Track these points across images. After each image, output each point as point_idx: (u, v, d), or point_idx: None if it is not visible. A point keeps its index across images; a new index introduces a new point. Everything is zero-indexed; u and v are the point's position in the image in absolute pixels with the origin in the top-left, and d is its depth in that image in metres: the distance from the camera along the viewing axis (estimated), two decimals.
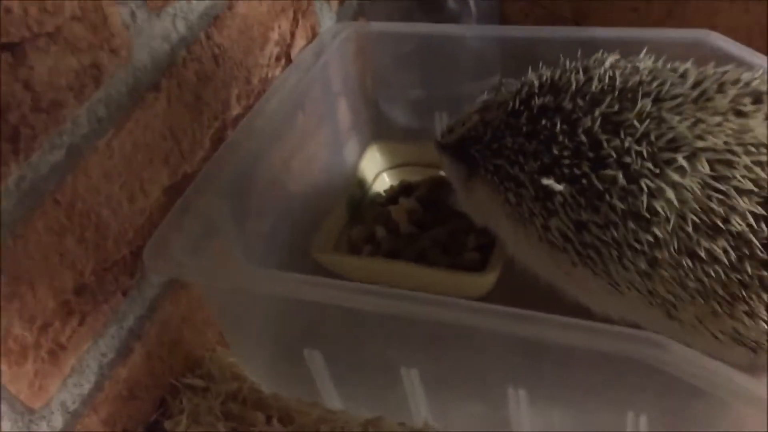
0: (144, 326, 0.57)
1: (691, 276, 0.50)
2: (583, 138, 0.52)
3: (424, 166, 0.79)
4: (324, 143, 0.79)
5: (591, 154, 0.51)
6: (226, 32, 0.62)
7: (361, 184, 0.78)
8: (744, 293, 0.49)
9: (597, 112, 0.52)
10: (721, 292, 0.50)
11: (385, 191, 0.78)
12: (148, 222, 0.57)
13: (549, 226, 0.54)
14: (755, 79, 0.53)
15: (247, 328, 0.60)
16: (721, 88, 0.52)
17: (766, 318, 0.50)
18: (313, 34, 0.77)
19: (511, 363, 0.50)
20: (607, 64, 0.56)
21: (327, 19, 0.80)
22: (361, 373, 0.57)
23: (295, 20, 0.72)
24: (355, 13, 0.85)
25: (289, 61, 0.72)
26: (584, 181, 0.51)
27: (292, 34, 0.72)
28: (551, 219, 0.54)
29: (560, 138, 0.53)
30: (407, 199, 0.74)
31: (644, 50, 0.57)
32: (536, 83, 0.57)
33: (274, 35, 0.69)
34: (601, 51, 0.57)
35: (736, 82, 0.53)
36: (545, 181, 0.53)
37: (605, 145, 0.51)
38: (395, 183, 0.79)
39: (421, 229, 0.71)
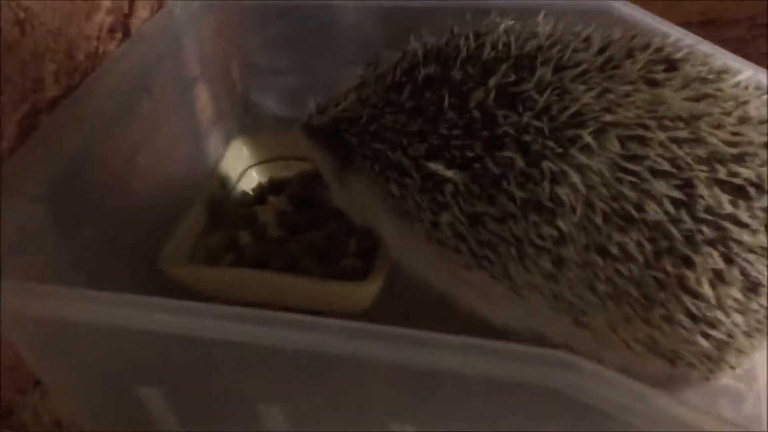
0: None
1: (601, 276, 0.44)
2: (476, 113, 0.45)
3: (300, 160, 0.70)
4: (178, 136, 0.69)
5: (485, 133, 0.45)
6: None
7: (223, 183, 0.68)
8: (662, 295, 0.43)
9: (491, 83, 0.45)
10: (635, 294, 0.44)
11: (252, 190, 0.69)
12: None
13: (439, 222, 0.47)
14: (667, 45, 0.48)
15: (67, 364, 0.49)
16: (629, 54, 0.46)
17: (685, 323, 0.44)
18: (160, 6, 0.66)
19: (394, 395, 0.42)
20: (501, 29, 0.49)
21: None
22: (212, 413, 0.47)
23: None
24: None
25: (127, 35, 0.62)
26: (478, 165, 0.45)
27: (131, 3, 0.62)
28: (441, 213, 0.47)
29: (449, 114, 0.46)
30: (277, 198, 0.65)
31: (542, 14, 0.51)
32: (420, 52, 0.49)
33: (106, 1, 0.58)
34: (493, 15, 0.50)
35: (645, 47, 0.47)
36: (433, 167, 0.45)
37: (501, 121, 0.44)
38: (265, 180, 0.70)
39: (293, 233, 0.62)
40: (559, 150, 0.43)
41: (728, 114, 0.44)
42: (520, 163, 0.44)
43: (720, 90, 0.45)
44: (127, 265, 0.58)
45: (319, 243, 0.60)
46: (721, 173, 0.42)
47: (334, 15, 0.73)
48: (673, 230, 0.42)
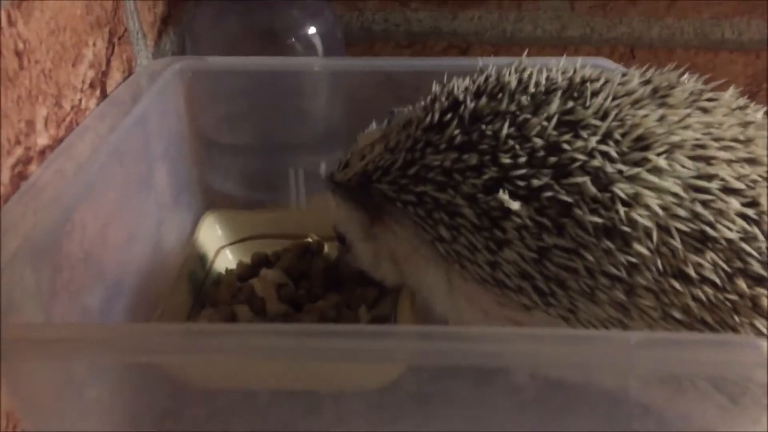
0: None
1: (677, 302, 0.44)
2: (538, 141, 0.45)
3: (278, 238, 0.67)
4: (146, 212, 0.64)
5: (552, 159, 0.45)
6: (33, 25, 0.47)
7: (202, 260, 0.63)
8: (735, 318, 0.44)
9: (551, 111, 0.46)
10: (709, 319, 0.44)
11: (228, 270, 0.64)
12: None
13: (498, 260, 0.46)
14: (692, 82, 0.51)
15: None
16: (672, 86, 0.49)
17: None
18: (130, 70, 0.64)
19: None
20: (530, 69, 0.51)
21: (143, 58, 0.67)
22: None
23: (111, 44, 0.59)
24: (175, 54, 0.74)
25: (104, 94, 0.58)
26: (548, 194, 0.44)
27: (108, 61, 0.59)
28: (502, 251, 0.46)
29: (509, 143, 0.46)
30: (271, 271, 0.61)
31: (564, 57, 0.53)
32: (458, 89, 0.50)
33: (89, 53, 0.55)
34: (521, 59, 0.53)
35: (681, 83, 0.50)
36: (501, 197, 0.45)
37: (567, 147, 0.45)
38: (243, 259, 0.65)
39: (294, 307, 0.58)
40: (631, 172, 0.44)
41: None
42: (591, 188, 0.44)
43: (755, 119, 0.49)
44: None
45: (330, 314, 0.56)
46: None
47: (307, 80, 0.72)
48: (747, 248, 0.43)
